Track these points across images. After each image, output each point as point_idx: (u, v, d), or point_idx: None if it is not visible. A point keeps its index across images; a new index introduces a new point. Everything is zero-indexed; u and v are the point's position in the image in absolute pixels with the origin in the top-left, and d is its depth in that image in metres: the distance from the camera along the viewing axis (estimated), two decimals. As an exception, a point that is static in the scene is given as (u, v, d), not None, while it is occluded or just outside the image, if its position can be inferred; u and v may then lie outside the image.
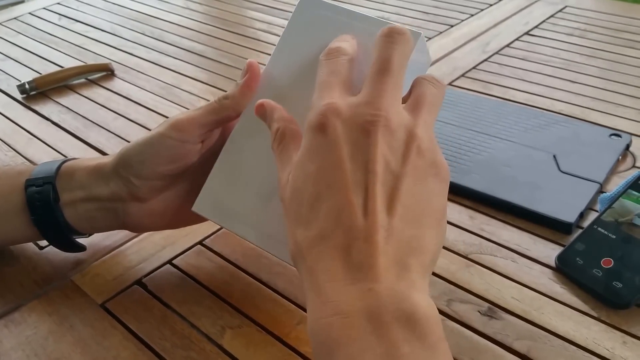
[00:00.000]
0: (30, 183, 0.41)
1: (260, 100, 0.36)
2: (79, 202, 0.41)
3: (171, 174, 0.40)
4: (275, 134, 0.33)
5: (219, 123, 0.40)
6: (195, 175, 0.41)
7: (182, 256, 0.46)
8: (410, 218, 0.27)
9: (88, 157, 0.60)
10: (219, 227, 0.49)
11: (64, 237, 0.43)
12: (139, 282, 0.44)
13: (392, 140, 0.28)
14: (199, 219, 0.43)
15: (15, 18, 0.99)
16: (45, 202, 0.40)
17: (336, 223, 0.27)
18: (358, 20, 0.37)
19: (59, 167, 0.42)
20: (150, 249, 0.47)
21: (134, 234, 0.49)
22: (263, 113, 0.35)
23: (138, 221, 0.42)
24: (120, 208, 0.41)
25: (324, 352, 0.25)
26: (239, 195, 0.38)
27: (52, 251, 0.48)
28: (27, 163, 0.60)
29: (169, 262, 0.46)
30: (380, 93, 0.29)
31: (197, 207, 0.40)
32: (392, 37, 0.31)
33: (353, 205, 0.27)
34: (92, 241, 0.48)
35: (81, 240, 0.45)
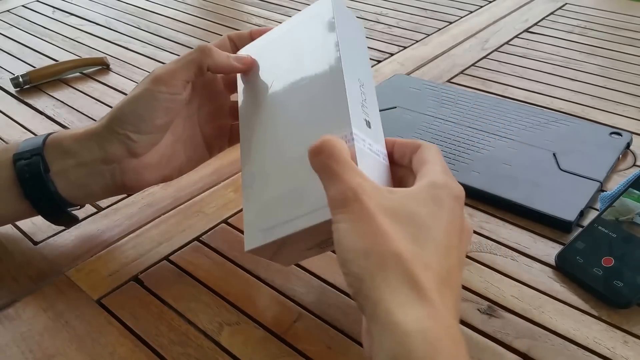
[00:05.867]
0: (18, 157, 0.41)
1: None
2: (71, 169, 0.41)
3: (165, 125, 0.42)
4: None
5: (198, 75, 0.42)
6: (179, 122, 0.44)
7: (179, 252, 0.46)
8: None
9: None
10: (215, 223, 0.48)
11: (57, 208, 0.42)
12: (135, 278, 0.44)
13: None
14: (189, 166, 0.46)
15: (8, 10, 0.98)
16: (35, 174, 0.40)
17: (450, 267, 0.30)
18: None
19: (45, 139, 0.42)
20: (146, 245, 0.47)
21: (130, 229, 0.48)
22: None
23: (136, 178, 0.43)
24: (116, 168, 0.41)
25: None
26: (272, 207, 0.35)
27: (46, 246, 0.47)
28: (11, 142, 0.59)
29: (166, 258, 0.45)
30: None
31: (249, 246, 0.36)
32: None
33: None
34: (87, 237, 0.48)
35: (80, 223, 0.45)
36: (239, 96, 0.43)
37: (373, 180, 0.30)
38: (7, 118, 0.66)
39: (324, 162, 0.30)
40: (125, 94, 0.70)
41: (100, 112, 0.66)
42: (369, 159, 0.32)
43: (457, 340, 0.27)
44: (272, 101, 0.39)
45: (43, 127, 0.64)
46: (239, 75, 0.44)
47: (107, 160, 0.41)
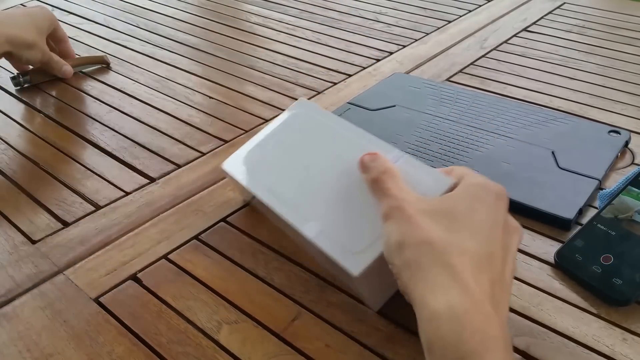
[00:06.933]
0: None
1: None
2: None
3: None
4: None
5: None
6: None
7: (177, 251, 0.46)
8: None
9: (83, 149, 0.60)
10: (214, 222, 0.48)
11: None
12: (133, 277, 0.43)
13: None
14: None
15: (6, 9, 0.98)
16: None
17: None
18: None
19: None
20: (145, 244, 0.46)
21: (129, 228, 0.48)
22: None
23: None
24: None
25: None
26: (356, 234, 0.38)
27: (44, 245, 0.47)
28: (9, 141, 0.59)
29: (165, 256, 0.45)
30: None
31: (357, 270, 0.36)
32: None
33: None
34: (86, 235, 0.48)
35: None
36: (245, 182, 0.45)
37: (418, 190, 0.35)
38: (7, 117, 0.66)
39: (381, 185, 0.36)
40: (125, 93, 0.70)
41: (100, 111, 0.66)
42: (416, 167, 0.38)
43: (487, 313, 0.28)
44: (300, 168, 0.43)
45: (43, 127, 0.64)
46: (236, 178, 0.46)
47: None
